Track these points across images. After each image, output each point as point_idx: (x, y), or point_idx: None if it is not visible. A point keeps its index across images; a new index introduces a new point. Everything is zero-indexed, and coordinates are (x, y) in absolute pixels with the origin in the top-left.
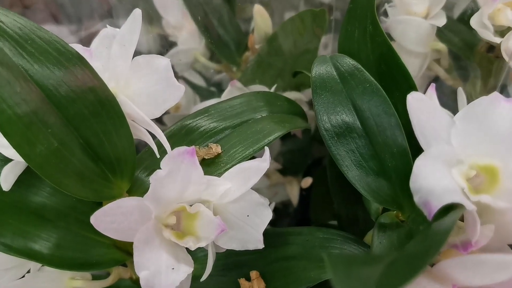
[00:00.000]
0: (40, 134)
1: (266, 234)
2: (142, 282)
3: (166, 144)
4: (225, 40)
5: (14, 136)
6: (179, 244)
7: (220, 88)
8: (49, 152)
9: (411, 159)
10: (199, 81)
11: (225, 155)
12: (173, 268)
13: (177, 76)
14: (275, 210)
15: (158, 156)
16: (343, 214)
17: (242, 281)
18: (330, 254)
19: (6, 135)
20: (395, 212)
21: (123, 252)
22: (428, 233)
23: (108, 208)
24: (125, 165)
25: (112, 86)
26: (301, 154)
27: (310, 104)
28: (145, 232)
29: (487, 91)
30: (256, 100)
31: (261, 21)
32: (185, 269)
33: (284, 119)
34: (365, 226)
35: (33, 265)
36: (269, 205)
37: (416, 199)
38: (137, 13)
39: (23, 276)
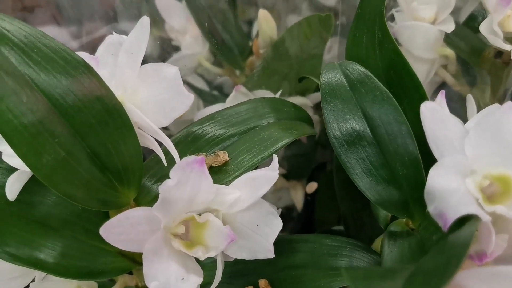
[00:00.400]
0: (46, 144)
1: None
2: None
3: (175, 153)
4: (229, 45)
5: (20, 146)
6: (188, 254)
7: (222, 92)
8: (56, 163)
9: (423, 167)
10: (202, 85)
11: (232, 162)
12: (182, 279)
13: None
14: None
15: (166, 164)
16: (349, 220)
17: None
18: (348, 268)
19: (12, 146)
20: (404, 220)
21: (129, 260)
22: (445, 246)
23: (117, 219)
24: (132, 174)
25: (119, 94)
26: (306, 159)
27: (315, 109)
28: (154, 242)
29: (496, 97)
30: (263, 106)
31: (266, 26)
32: (195, 280)
33: (291, 126)
34: (372, 232)
35: (38, 274)
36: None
37: (430, 209)
38: (145, 20)
39: (28, 286)
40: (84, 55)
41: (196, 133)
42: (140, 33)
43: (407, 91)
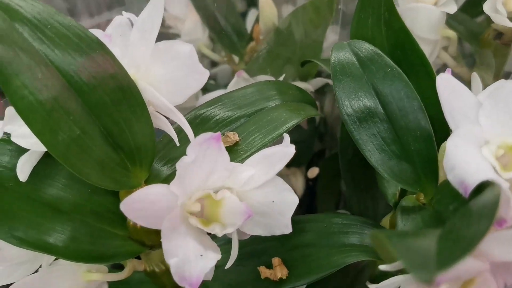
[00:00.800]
0: (61, 122)
1: None
2: (172, 270)
3: (189, 131)
4: (228, 31)
5: (35, 123)
6: (205, 230)
7: (216, 81)
8: (71, 140)
9: (435, 142)
10: None
11: (243, 143)
12: (201, 255)
13: None
14: None
15: (178, 144)
16: (354, 202)
17: (262, 269)
18: (379, 231)
19: (27, 122)
20: (415, 195)
21: (139, 244)
22: (472, 209)
23: (137, 195)
24: (144, 154)
25: (131, 72)
26: (306, 146)
27: (316, 93)
28: (171, 219)
29: (496, 79)
30: (268, 89)
31: (268, 11)
32: (213, 256)
33: (298, 107)
34: (374, 215)
35: (47, 259)
36: None
37: (450, 177)
38: None
39: (37, 271)
40: (97, 33)
41: (204, 115)
42: (153, 10)
43: (414, 69)
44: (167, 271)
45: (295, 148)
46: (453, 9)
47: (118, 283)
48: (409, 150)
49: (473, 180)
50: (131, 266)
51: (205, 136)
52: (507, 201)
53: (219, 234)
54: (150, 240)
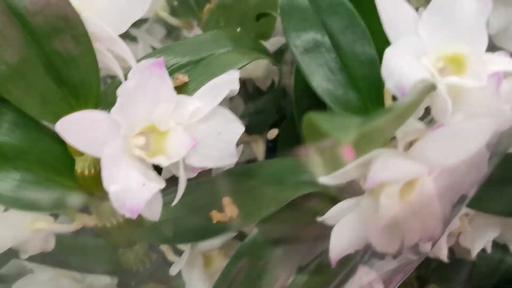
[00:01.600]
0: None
1: (230, 172)
2: (112, 197)
3: (133, 61)
4: None
5: None
6: (150, 161)
7: None
8: (9, 67)
9: (379, 66)
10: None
11: (192, 83)
12: (144, 184)
13: None
14: None
15: (123, 81)
16: None
17: (214, 213)
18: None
19: None
20: None
21: (87, 194)
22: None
23: (75, 116)
24: (89, 90)
25: (76, 4)
26: (266, 112)
27: (275, 57)
28: (113, 148)
29: None
30: (222, 37)
31: None
32: (156, 185)
33: (250, 52)
34: None
35: None
36: None
37: (389, 84)
38: None
39: None
40: None
41: None
42: None
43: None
44: (118, 226)
45: (256, 116)
46: None
47: (75, 249)
48: (355, 77)
49: (409, 81)
50: (80, 220)
51: (147, 61)
52: (444, 105)
53: (164, 164)
54: (99, 189)
